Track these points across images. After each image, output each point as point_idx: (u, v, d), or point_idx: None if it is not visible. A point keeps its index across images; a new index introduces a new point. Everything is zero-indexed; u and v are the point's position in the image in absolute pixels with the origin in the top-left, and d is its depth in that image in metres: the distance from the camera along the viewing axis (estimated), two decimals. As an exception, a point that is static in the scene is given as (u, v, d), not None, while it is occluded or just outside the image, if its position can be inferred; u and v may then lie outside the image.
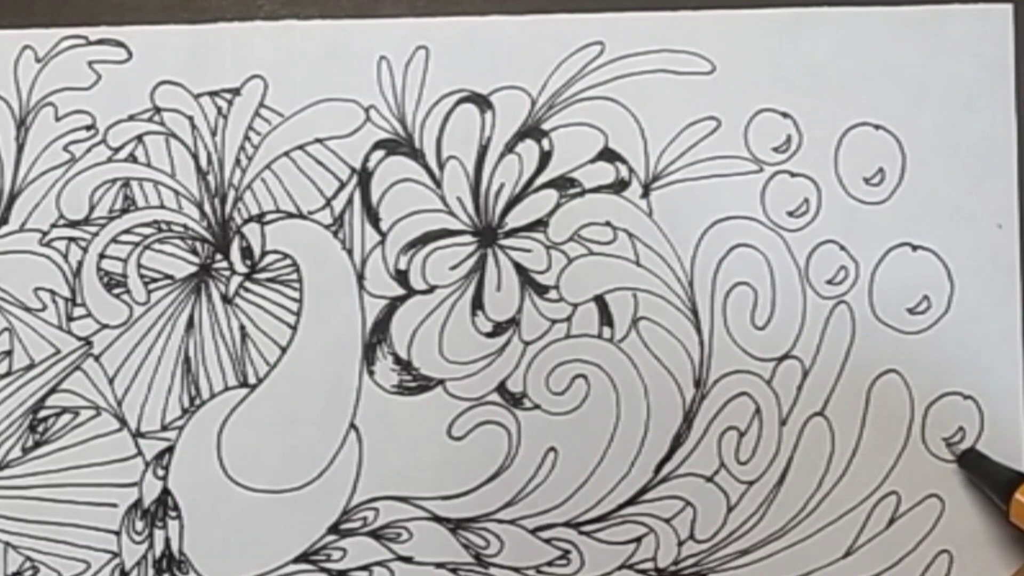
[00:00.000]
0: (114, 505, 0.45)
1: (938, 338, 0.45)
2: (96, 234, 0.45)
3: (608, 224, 0.46)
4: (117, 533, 0.45)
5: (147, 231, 0.46)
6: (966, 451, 0.45)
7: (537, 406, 0.46)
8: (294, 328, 0.45)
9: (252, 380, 0.45)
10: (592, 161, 0.46)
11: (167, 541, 0.45)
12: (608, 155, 0.46)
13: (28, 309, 0.45)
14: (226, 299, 0.46)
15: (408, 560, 0.45)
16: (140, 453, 0.45)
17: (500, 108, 0.46)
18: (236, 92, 0.46)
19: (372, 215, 0.46)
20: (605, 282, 0.46)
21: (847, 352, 0.45)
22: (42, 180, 0.45)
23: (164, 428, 0.45)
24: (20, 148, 0.45)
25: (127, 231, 0.46)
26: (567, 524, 0.45)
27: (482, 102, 0.46)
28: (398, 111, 0.46)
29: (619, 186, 0.46)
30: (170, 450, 0.45)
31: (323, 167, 0.46)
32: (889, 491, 0.45)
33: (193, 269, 0.46)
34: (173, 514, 0.45)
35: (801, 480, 0.45)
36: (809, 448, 0.45)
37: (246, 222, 0.46)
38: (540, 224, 0.46)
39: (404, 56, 0.46)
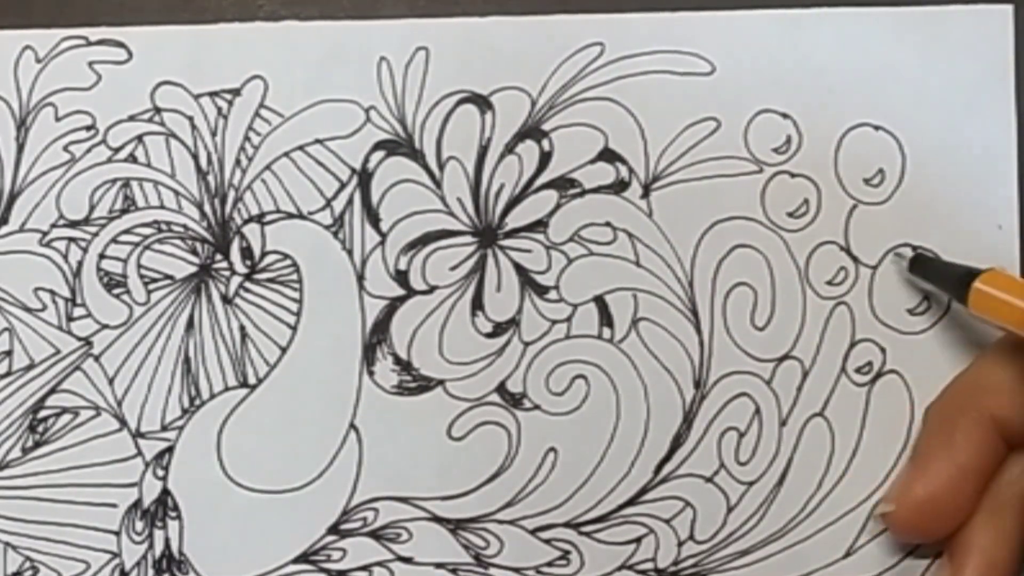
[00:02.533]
0: (114, 505, 0.45)
1: (938, 338, 0.45)
2: (96, 234, 0.45)
3: (608, 224, 0.46)
4: (117, 533, 0.45)
5: (147, 231, 0.46)
6: (915, 256, 0.45)
7: (537, 406, 0.46)
8: (294, 328, 0.45)
9: (252, 380, 0.45)
10: (592, 162, 0.46)
11: (167, 541, 0.45)
12: (608, 156, 0.46)
13: (28, 309, 0.45)
14: (226, 299, 0.46)
15: (408, 560, 0.45)
16: (140, 453, 0.45)
17: (500, 109, 0.46)
18: (236, 92, 0.46)
19: (372, 215, 0.46)
20: (605, 282, 0.46)
21: (847, 352, 0.45)
22: (42, 180, 0.45)
23: (164, 428, 0.45)
24: (20, 148, 0.45)
25: (127, 231, 0.46)
26: (567, 524, 0.45)
27: (482, 103, 0.46)
28: (398, 112, 0.46)
29: (619, 186, 0.46)
30: (170, 450, 0.45)
31: (323, 167, 0.46)
32: (889, 492, 0.45)
33: (193, 269, 0.46)
34: (173, 514, 0.45)
35: (801, 481, 0.45)
36: (809, 449, 0.45)
37: (246, 222, 0.46)
38: (540, 224, 0.46)
39: (404, 57, 0.46)
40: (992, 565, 0.42)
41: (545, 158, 0.46)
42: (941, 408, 0.44)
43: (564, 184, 0.46)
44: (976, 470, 0.42)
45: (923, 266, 0.45)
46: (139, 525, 0.45)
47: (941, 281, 0.44)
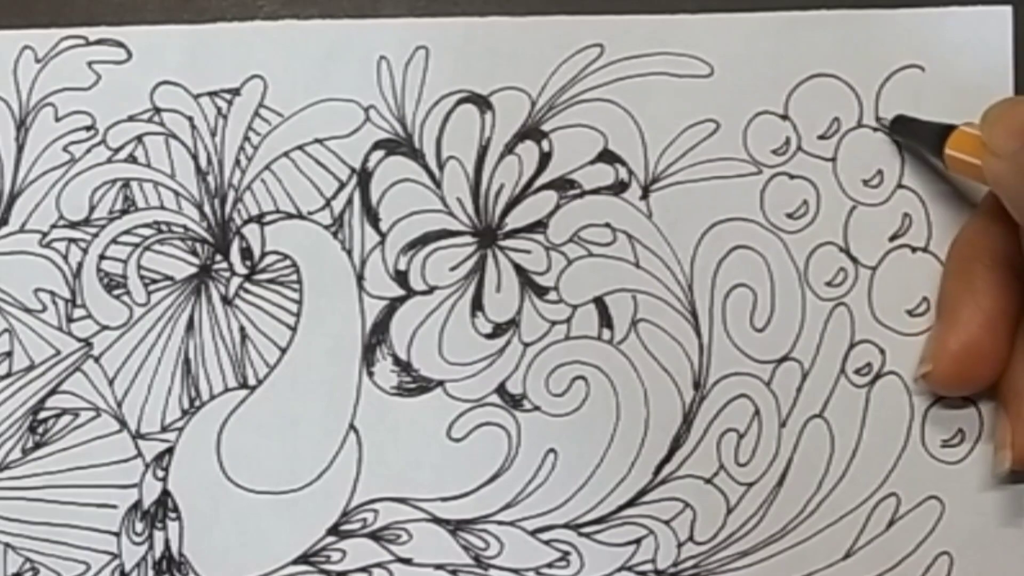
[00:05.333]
0: (114, 506, 0.45)
1: (938, 340, 0.45)
2: (96, 235, 0.45)
3: (608, 226, 0.46)
4: (117, 534, 0.45)
5: (147, 232, 0.46)
6: (896, 118, 0.46)
7: (537, 407, 0.46)
8: (294, 329, 0.45)
9: (252, 381, 0.45)
10: (592, 163, 0.46)
11: (167, 542, 0.45)
12: (608, 157, 0.46)
13: (28, 310, 0.45)
14: (226, 300, 0.46)
15: (407, 562, 0.45)
16: (140, 454, 0.45)
17: (500, 109, 0.46)
18: (236, 92, 0.46)
19: (372, 215, 0.46)
20: (605, 283, 0.46)
21: (846, 354, 0.46)
22: (42, 181, 0.45)
23: (164, 429, 0.45)
24: (20, 149, 0.45)
25: (127, 232, 0.46)
26: (567, 526, 0.45)
27: (482, 103, 0.46)
28: (398, 111, 0.46)
29: (618, 188, 0.46)
30: (170, 451, 0.45)
31: (323, 167, 0.46)
32: (889, 493, 0.45)
33: (193, 270, 0.46)
34: (173, 515, 0.45)
35: (800, 482, 0.45)
36: (808, 450, 0.45)
37: (246, 223, 0.46)
38: (540, 225, 0.46)
39: (404, 56, 0.46)
40: None
41: (545, 159, 0.46)
42: (955, 258, 0.44)
43: (564, 185, 0.46)
44: (1003, 312, 0.43)
45: (903, 127, 0.45)
46: (139, 526, 0.45)
47: (921, 140, 0.45)
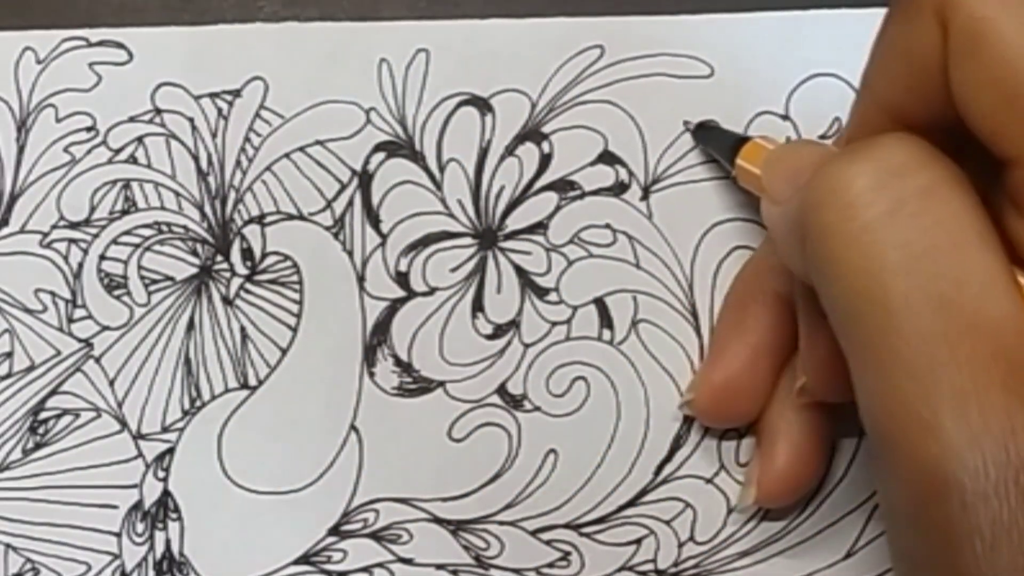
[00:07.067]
0: (115, 507, 0.45)
1: (938, 340, 0.45)
2: (97, 235, 0.45)
3: (608, 226, 0.46)
4: (118, 535, 0.45)
5: (148, 232, 0.46)
6: (698, 125, 0.46)
7: (537, 408, 0.46)
8: (294, 330, 0.45)
9: (252, 382, 0.45)
10: (592, 164, 0.46)
11: (167, 543, 0.45)
12: (608, 158, 0.46)
13: (28, 311, 0.45)
14: (227, 301, 0.46)
15: (408, 562, 0.45)
16: (141, 455, 0.45)
17: (500, 111, 0.46)
18: (237, 94, 0.46)
19: (373, 217, 0.46)
20: (605, 284, 0.46)
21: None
22: (42, 181, 0.45)
23: (165, 430, 0.45)
24: (21, 150, 0.45)
25: (128, 232, 0.46)
26: (567, 526, 0.45)
27: (482, 105, 0.46)
28: (399, 113, 0.46)
29: (619, 189, 0.46)
30: (171, 452, 0.45)
31: (324, 169, 0.46)
32: (889, 492, 0.45)
33: (194, 271, 0.46)
34: (174, 516, 0.45)
35: (801, 482, 0.45)
36: (809, 450, 0.45)
37: (247, 223, 0.46)
38: (540, 226, 0.46)
39: (405, 58, 0.46)
40: (796, 446, 0.43)
41: (545, 160, 0.46)
42: (732, 296, 0.45)
43: (564, 186, 0.46)
44: (768, 348, 0.43)
45: (703, 134, 0.45)
46: (140, 526, 0.45)
47: (717, 148, 0.44)
